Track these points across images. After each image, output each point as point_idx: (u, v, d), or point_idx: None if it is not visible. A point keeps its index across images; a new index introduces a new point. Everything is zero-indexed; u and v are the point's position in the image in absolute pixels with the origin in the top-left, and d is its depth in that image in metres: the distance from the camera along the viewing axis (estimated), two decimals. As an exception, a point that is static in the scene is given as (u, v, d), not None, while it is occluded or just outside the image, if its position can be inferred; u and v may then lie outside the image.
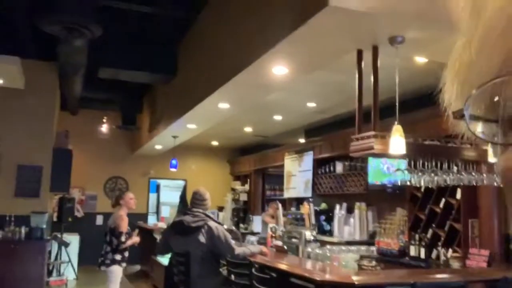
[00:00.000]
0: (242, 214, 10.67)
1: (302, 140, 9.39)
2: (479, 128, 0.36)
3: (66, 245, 8.17)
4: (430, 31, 3.39)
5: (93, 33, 4.62)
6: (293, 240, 5.02)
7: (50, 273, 7.92)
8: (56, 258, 8.16)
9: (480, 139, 0.36)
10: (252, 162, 10.91)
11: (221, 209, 10.19)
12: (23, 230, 7.23)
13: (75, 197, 9.28)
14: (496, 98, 0.33)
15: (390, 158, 4.37)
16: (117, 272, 5.14)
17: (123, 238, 5.06)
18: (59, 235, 8.13)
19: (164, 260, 7.48)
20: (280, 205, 6.57)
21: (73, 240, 8.62)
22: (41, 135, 7.70)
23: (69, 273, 8.32)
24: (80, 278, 8.66)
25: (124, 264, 5.18)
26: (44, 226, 7.39)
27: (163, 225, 8.95)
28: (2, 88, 7.16)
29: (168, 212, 11.23)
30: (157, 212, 12.15)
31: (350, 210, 6.96)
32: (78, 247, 8.84)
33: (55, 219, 8.54)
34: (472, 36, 0.35)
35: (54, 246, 8.16)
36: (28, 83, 7.13)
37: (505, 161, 0.35)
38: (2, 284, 6.58)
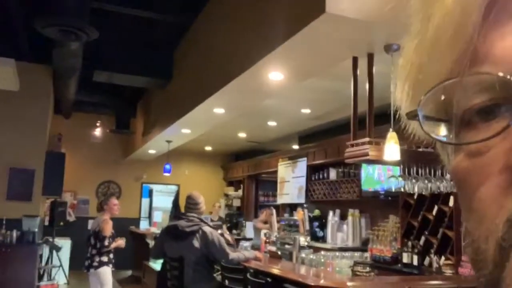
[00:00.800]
0: (235, 220, 10.65)
1: (296, 147, 9.42)
2: (431, 128, 0.36)
3: (58, 249, 8.10)
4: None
5: (89, 36, 4.62)
6: (287, 246, 5.03)
7: (41, 278, 7.85)
8: (47, 262, 8.09)
9: (433, 139, 0.36)
10: (246, 167, 10.91)
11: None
12: (15, 233, 7.17)
13: (67, 201, 9.21)
14: (448, 99, 0.34)
15: (385, 164, 4.40)
16: (107, 273, 5.15)
17: (106, 242, 5.12)
18: (50, 239, 8.07)
19: (157, 265, 7.45)
20: (274, 211, 6.57)
21: (65, 244, 8.56)
22: (34, 138, 7.66)
23: (60, 277, 8.25)
24: (71, 282, 8.58)
25: (111, 266, 5.20)
26: (36, 230, 7.33)
27: (155, 230, 8.91)
28: (-5, 91, 7.12)
29: (161, 217, 11.18)
30: (150, 217, 12.09)
31: (343, 217, 6.98)
32: (69, 252, 8.77)
33: (46, 223, 8.47)
34: (424, 39, 0.36)
35: (46, 250, 8.09)
36: (22, 85, 7.09)
37: (456, 162, 0.35)
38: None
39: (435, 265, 4.95)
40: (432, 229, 5.18)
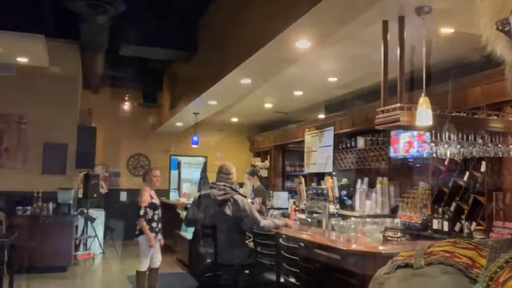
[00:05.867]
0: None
1: (322, 116, 9.37)
2: None
3: (92, 220, 8.38)
4: (458, 0, 3.34)
5: (117, 9, 4.65)
6: (315, 214, 5.08)
7: (77, 247, 8.16)
8: (82, 233, 8.39)
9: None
10: (272, 138, 10.94)
11: (241, 185, 10.29)
12: (51, 206, 7.44)
13: (99, 174, 9.46)
14: None
15: (416, 130, 4.36)
16: (143, 243, 5.29)
17: (141, 212, 5.22)
18: (85, 211, 8.34)
19: (188, 234, 7.64)
20: (302, 180, 6.62)
21: (99, 215, 8.83)
22: (65, 113, 7.84)
23: (96, 247, 8.55)
24: (106, 252, 8.89)
25: (154, 235, 5.30)
26: (71, 202, 7.59)
27: (185, 200, 9.09)
28: (26, 67, 7.27)
29: (189, 189, 11.38)
30: (178, 188, 12.33)
31: (371, 185, 6.97)
32: (103, 222, 9.06)
33: (80, 195, 8.74)
34: None
35: (81, 222, 8.38)
36: (52, 62, 7.22)
37: None
38: (32, 258, 6.80)
39: (466, 230, 4.93)
40: (463, 195, 5.14)
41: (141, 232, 5.23)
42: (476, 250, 0.45)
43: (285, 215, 5.41)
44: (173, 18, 7.08)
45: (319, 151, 8.40)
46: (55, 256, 7.23)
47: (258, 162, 11.41)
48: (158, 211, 5.39)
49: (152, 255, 5.35)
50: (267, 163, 11.12)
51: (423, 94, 3.44)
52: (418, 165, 6.09)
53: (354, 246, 3.27)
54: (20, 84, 7.55)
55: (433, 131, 3.85)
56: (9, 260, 5.48)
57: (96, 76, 8.64)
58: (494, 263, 0.42)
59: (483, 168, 4.85)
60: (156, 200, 5.42)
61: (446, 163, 5.22)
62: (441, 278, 0.43)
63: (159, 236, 5.41)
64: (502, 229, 4.50)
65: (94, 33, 6.14)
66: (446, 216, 5.22)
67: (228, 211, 4.01)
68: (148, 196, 5.34)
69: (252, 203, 4.72)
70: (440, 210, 5.31)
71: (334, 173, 6.37)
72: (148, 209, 5.27)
